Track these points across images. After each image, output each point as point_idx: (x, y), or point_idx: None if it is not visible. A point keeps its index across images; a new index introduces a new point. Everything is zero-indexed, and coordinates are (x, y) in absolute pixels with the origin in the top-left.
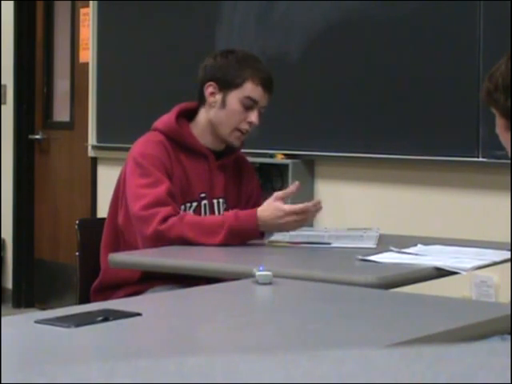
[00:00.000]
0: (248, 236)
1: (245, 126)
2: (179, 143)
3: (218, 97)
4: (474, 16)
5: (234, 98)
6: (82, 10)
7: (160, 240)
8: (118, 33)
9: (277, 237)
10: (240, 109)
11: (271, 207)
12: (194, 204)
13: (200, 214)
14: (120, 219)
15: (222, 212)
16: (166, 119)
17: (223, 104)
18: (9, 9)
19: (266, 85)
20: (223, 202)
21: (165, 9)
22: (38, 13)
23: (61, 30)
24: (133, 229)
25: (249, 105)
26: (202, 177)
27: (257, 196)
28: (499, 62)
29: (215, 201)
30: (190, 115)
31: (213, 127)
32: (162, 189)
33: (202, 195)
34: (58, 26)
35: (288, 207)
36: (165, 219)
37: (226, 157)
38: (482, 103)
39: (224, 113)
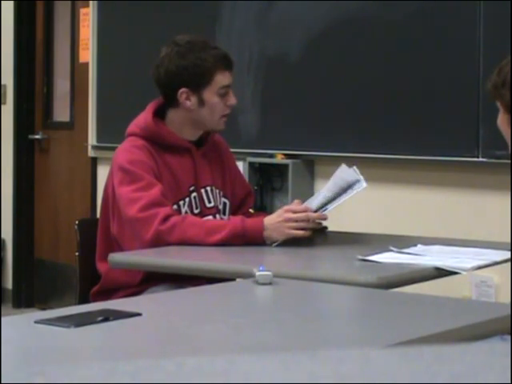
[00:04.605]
0: (250, 238)
1: (228, 111)
2: (161, 143)
3: (194, 99)
4: (474, 16)
5: (210, 93)
6: (82, 10)
7: (161, 240)
8: (118, 33)
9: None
10: (219, 100)
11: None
12: (187, 200)
13: (192, 208)
14: (114, 230)
15: (211, 198)
16: (142, 122)
17: (201, 103)
18: (9, 9)
19: (230, 65)
20: (211, 190)
21: (165, 9)
22: (38, 13)
23: (61, 30)
24: (128, 237)
25: (224, 92)
26: (189, 170)
27: (238, 170)
28: (508, 58)
29: (203, 190)
30: (161, 112)
31: (195, 123)
32: (156, 190)
33: (191, 188)
34: (57, 26)
35: (287, 206)
36: (165, 219)
37: (206, 143)
38: (485, 94)
39: (206, 110)
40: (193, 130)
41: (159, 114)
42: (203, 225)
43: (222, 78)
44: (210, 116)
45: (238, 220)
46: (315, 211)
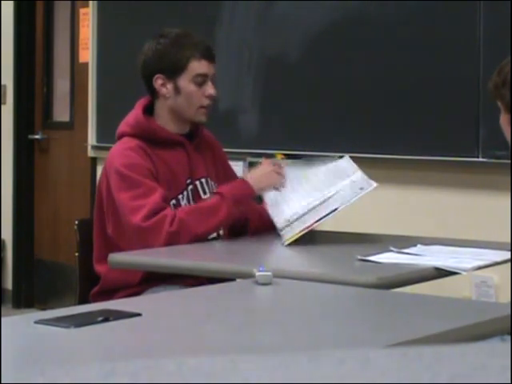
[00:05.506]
0: (244, 195)
1: (206, 102)
2: (153, 139)
3: (169, 86)
4: (474, 16)
5: (185, 81)
6: (82, 10)
7: (174, 241)
8: (118, 33)
9: (289, 233)
10: (195, 88)
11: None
12: (185, 193)
13: (189, 201)
14: (110, 230)
15: (206, 189)
16: (132, 120)
17: (177, 91)
18: (9, 9)
19: (208, 55)
20: (206, 181)
21: (164, 9)
22: (38, 13)
23: (61, 30)
24: (126, 237)
25: (201, 81)
26: (184, 163)
27: (228, 164)
28: (508, 58)
29: (198, 182)
30: (149, 109)
31: (176, 114)
32: (156, 196)
33: (188, 181)
34: (57, 26)
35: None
36: (173, 220)
37: (197, 136)
38: (485, 94)
39: (182, 98)
40: (178, 122)
41: (148, 113)
42: (203, 209)
43: (198, 66)
44: (187, 105)
45: (224, 189)
46: (325, 216)
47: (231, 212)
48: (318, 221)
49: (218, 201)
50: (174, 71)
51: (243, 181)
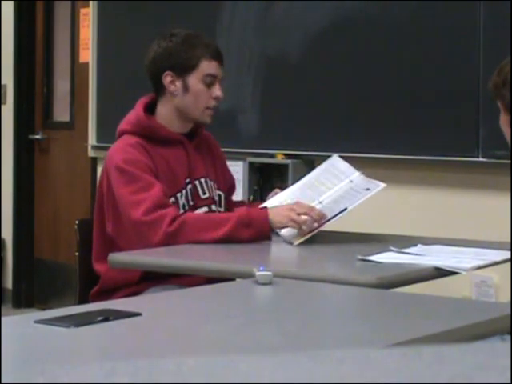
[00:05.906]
0: (256, 223)
1: (213, 103)
2: (153, 137)
3: (178, 83)
4: (474, 16)
5: (195, 79)
6: (82, 10)
7: (170, 242)
8: (118, 33)
9: (289, 231)
10: (203, 88)
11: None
12: (184, 192)
13: (188, 200)
14: (110, 229)
15: (205, 189)
16: (133, 118)
17: (186, 89)
18: (9, 9)
19: (219, 57)
20: (205, 181)
21: (165, 9)
22: (38, 13)
23: (61, 30)
24: (126, 236)
25: (210, 81)
26: (183, 162)
27: (226, 166)
28: (508, 58)
29: (197, 182)
30: (150, 108)
31: (181, 113)
32: (157, 190)
33: (187, 181)
34: (58, 26)
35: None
36: (173, 220)
37: (197, 136)
38: (485, 94)
39: (189, 97)
40: (181, 122)
41: (148, 112)
42: (210, 221)
43: (208, 66)
44: (194, 104)
45: (242, 209)
46: (334, 216)
47: (235, 232)
48: (326, 221)
49: (225, 217)
50: (184, 69)
51: (263, 208)
